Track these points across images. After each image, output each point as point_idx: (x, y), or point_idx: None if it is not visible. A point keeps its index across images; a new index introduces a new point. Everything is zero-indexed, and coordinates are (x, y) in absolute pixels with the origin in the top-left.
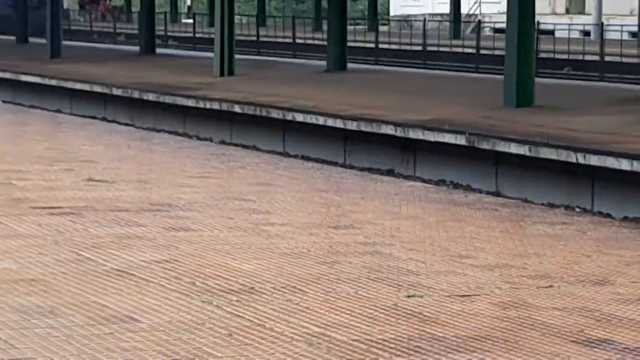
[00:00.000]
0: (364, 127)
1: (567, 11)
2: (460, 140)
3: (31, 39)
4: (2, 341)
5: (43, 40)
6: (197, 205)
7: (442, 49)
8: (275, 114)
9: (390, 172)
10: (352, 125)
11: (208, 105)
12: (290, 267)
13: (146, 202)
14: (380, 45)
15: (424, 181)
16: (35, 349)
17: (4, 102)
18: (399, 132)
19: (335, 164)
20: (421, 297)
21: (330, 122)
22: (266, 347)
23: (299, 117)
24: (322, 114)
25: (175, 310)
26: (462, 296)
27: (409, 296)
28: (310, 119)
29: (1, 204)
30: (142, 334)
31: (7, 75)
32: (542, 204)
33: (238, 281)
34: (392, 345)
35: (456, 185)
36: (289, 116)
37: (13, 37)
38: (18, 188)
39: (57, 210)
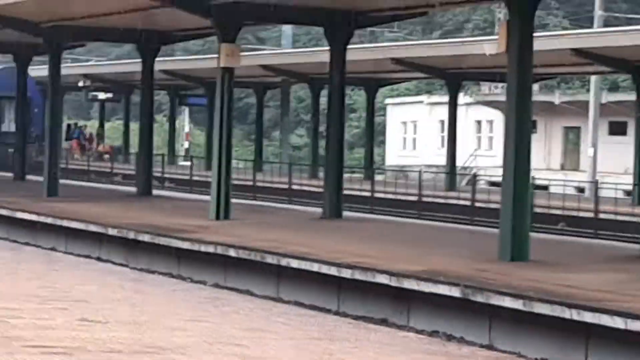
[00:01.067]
0: (359, 276)
1: (562, 167)
2: (455, 292)
3: (28, 176)
4: None
5: (40, 178)
6: (190, 349)
7: (437, 200)
8: (270, 259)
9: (383, 322)
10: (346, 273)
11: (203, 248)
12: None
13: (139, 344)
14: (376, 194)
15: (417, 331)
16: None
17: None
18: (393, 282)
19: (329, 311)
20: None
21: (324, 269)
22: None
23: (294, 263)
24: (316, 261)
25: None
26: None
27: None
28: (305, 265)
29: None
30: None
31: (3, 212)
32: (536, 359)
33: None
34: None
35: (449, 337)
36: (284, 262)
37: (10, 174)
38: (11, 326)
39: (49, 350)
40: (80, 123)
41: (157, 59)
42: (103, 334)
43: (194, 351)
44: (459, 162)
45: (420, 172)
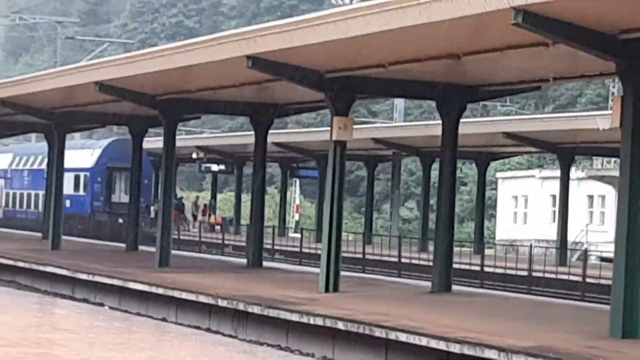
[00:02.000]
0: (467, 350)
1: None
2: None
3: (141, 247)
4: None
5: (151, 248)
6: None
7: (547, 275)
8: (378, 332)
9: None
10: (455, 348)
11: (312, 321)
12: None
13: None
14: (486, 269)
15: None
16: None
17: (111, 308)
18: (502, 357)
19: None
20: None
21: (433, 344)
22: None
23: (402, 337)
24: (425, 335)
25: None
26: None
27: None
28: (413, 339)
29: None
30: None
31: (115, 282)
32: None
33: None
34: None
35: None
36: (392, 335)
37: (121, 244)
38: None
39: None
40: (193, 194)
41: (270, 131)
42: None
43: None
44: (570, 237)
45: (530, 246)
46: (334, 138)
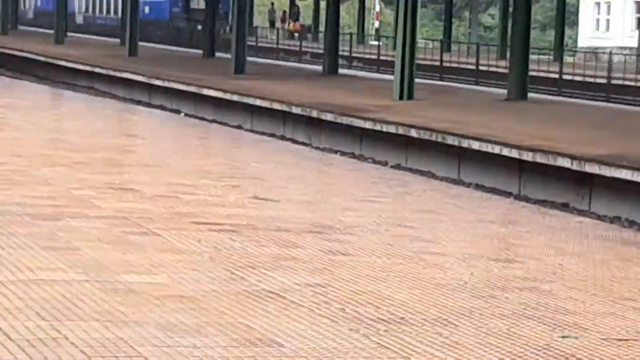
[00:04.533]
0: (540, 159)
1: None
2: (638, 177)
3: (217, 54)
4: (142, 358)
5: (228, 56)
6: (358, 229)
7: (627, 82)
8: (450, 140)
9: (564, 206)
10: (527, 156)
11: (384, 129)
12: (444, 298)
13: (307, 224)
14: (564, 76)
15: (598, 217)
16: None
17: (186, 115)
18: (574, 166)
19: (510, 194)
20: (576, 338)
21: (505, 152)
22: None
23: (475, 145)
24: (497, 143)
25: (321, 337)
26: (619, 340)
27: (563, 337)
28: (486, 147)
29: (164, 217)
30: (283, 359)
31: (191, 89)
32: None
33: (389, 310)
34: None
35: (632, 223)
36: (465, 143)
37: (199, 51)
38: (183, 202)
39: (218, 227)
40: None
41: None
42: (273, 212)
43: (361, 231)
44: None
45: (610, 53)
46: None
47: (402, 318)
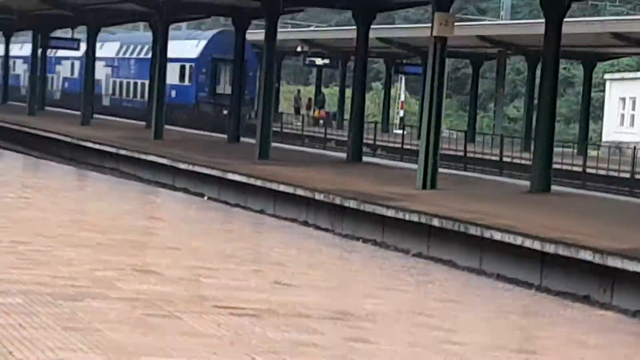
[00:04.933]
0: (562, 251)
1: None
2: None
3: (242, 139)
4: None
5: (253, 141)
6: (379, 316)
7: None
8: (473, 230)
9: (585, 298)
10: (549, 248)
11: (407, 217)
12: None
13: (328, 310)
14: (588, 170)
15: (620, 310)
16: None
17: (210, 198)
18: (597, 259)
19: (531, 285)
20: None
21: (527, 243)
22: None
23: (497, 236)
24: (520, 234)
25: None
26: None
27: None
28: (508, 238)
29: (185, 300)
30: None
31: (215, 173)
32: None
33: None
34: None
35: None
36: (487, 234)
37: (224, 135)
38: (204, 285)
39: (239, 311)
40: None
41: (375, 26)
42: (294, 297)
43: (382, 319)
44: None
45: (634, 148)
46: (434, 34)
47: None
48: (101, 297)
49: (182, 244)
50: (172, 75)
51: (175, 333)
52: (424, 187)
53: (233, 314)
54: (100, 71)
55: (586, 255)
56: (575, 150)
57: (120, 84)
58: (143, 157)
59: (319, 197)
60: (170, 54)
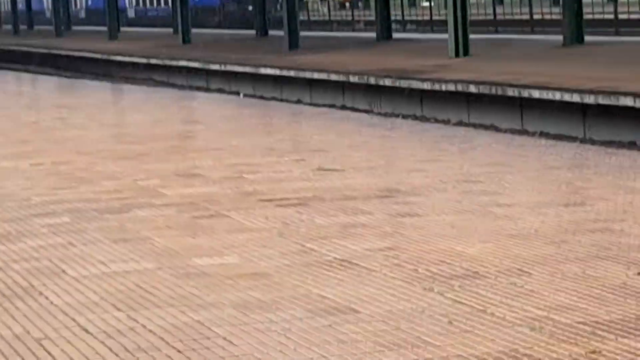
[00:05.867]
0: (602, 100)
1: None
2: None
3: (270, 32)
4: (220, 338)
5: (282, 33)
6: (425, 189)
7: None
8: (511, 92)
9: (632, 144)
10: (589, 99)
11: (444, 87)
12: (516, 248)
13: (374, 189)
14: (620, 16)
15: None
16: (252, 345)
17: (245, 95)
18: (637, 103)
19: (575, 138)
20: None
21: (567, 97)
22: (486, 333)
23: (536, 94)
24: (558, 89)
25: (396, 299)
26: None
27: (638, 274)
28: (547, 94)
29: (231, 197)
30: (360, 325)
31: (247, 69)
32: None
33: (462, 266)
34: (619, 327)
35: None
36: (525, 93)
37: (252, 31)
38: (248, 181)
39: (285, 202)
40: None
41: None
42: (338, 181)
43: (428, 192)
44: None
45: None
46: None
47: (476, 272)
48: (147, 206)
49: (222, 143)
50: None
51: (223, 231)
52: (457, 55)
53: (279, 205)
54: None
55: (627, 101)
56: None
57: None
58: (174, 63)
59: (353, 79)
60: None
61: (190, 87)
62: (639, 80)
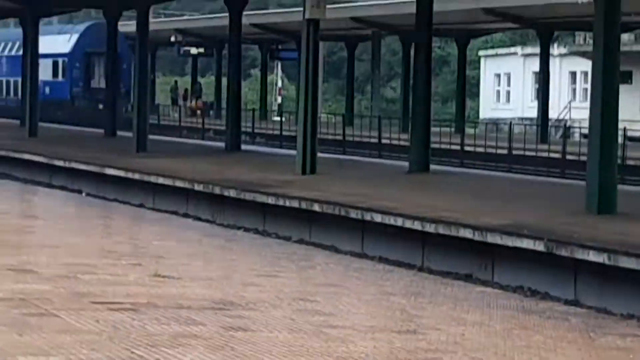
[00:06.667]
0: (442, 230)
1: None
2: (539, 246)
3: (119, 132)
4: None
5: (131, 134)
6: (260, 304)
7: (527, 153)
8: (354, 214)
9: (468, 277)
10: (430, 228)
11: (287, 203)
12: None
13: (209, 300)
14: (466, 148)
15: (501, 287)
16: None
17: (88, 194)
18: (477, 236)
19: (413, 266)
20: None
21: (408, 224)
22: None
23: (378, 218)
24: (400, 215)
25: None
26: None
27: None
28: (389, 220)
29: (63, 297)
30: None
31: (92, 168)
32: (622, 314)
33: None
34: None
35: (534, 292)
36: (368, 216)
37: (100, 130)
38: (82, 282)
39: (117, 306)
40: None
41: (249, 12)
42: (174, 289)
43: (263, 307)
44: (553, 115)
45: (510, 124)
46: (306, 16)
47: None
48: None
49: (60, 240)
50: (45, 71)
51: (52, 331)
52: (304, 172)
53: (112, 309)
54: None
55: (466, 233)
56: (453, 129)
57: None
58: (17, 155)
59: (198, 187)
60: (42, 49)
61: (33, 182)
62: (479, 213)
